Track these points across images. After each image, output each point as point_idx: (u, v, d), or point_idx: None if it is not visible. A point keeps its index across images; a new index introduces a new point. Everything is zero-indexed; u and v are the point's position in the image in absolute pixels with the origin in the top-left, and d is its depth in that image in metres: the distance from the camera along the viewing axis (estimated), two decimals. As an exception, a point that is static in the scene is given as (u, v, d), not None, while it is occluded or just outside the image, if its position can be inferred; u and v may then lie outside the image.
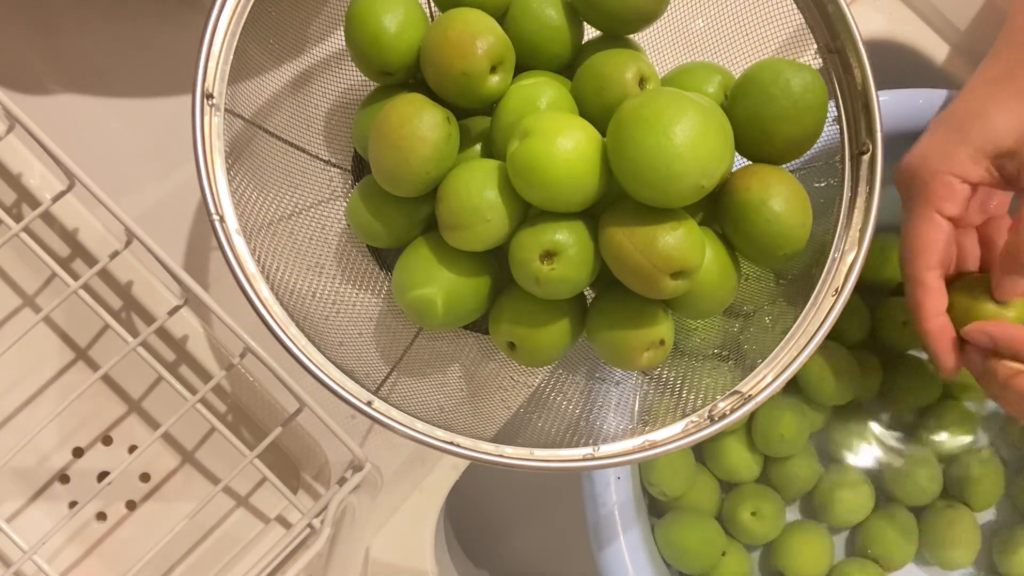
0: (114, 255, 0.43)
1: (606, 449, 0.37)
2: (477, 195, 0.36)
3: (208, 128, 0.35)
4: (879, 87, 0.38)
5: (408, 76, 0.39)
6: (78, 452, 0.47)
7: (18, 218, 0.45)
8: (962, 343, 0.43)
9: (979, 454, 0.56)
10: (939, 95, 0.49)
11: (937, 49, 0.56)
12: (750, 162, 0.38)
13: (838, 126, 0.39)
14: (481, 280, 0.38)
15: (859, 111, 0.39)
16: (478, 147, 0.40)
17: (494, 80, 0.37)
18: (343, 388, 0.35)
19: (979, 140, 0.41)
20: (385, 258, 0.45)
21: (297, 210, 0.42)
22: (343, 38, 0.39)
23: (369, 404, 0.35)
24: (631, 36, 0.41)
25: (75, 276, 0.43)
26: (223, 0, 0.36)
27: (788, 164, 0.38)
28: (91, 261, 0.45)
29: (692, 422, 0.37)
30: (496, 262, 0.39)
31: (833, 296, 0.38)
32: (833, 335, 0.42)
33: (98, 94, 0.48)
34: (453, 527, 0.62)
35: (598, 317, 0.39)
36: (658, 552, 0.53)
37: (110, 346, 0.47)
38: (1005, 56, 0.44)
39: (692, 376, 0.41)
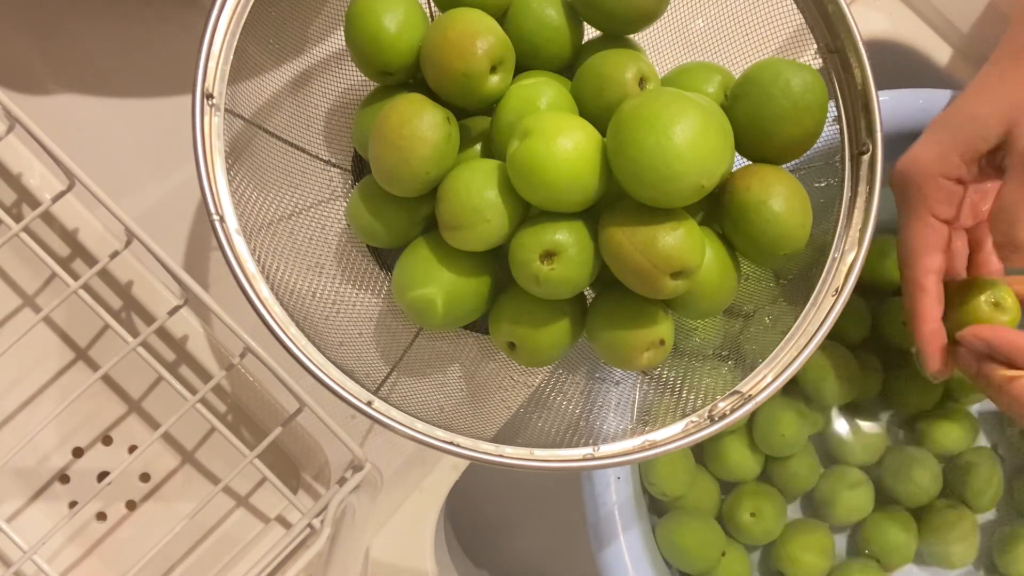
0: (114, 255, 0.43)
1: (606, 449, 0.37)
2: (477, 195, 0.36)
3: (208, 128, 0.35)
4: (879, 87, 0.38)
5: (408, 76, 0.39)
6: (78, 452, 0.47)
7: (18, 218, 0.45)
8: (954, 344, 0.43)
9: (979, 454, 0.56)
10: (939, 95, 0.49)
11: (937, 49, 0.56)
12: (750, 162, 0.38)
13: (838, 126, 0.39)
14: (481, 280, 0.38)
15: (859, 111, 0.39)
16: (478, 147, 0.40)
17: (494, 80, 0.37)
18: (343, 388, 0.35)
19: (969, 138, 0.42)
20: (385, 258, 0.45)
21: (297, 210, 0.42)
22: (343, 38, 0.39)
23: (369, 404, 0.35)
24: (631, 36, 0.41)
25: (75, 276, 0.43)
26: (223, 0, 0.36)
27: (788, 164, 0.38)
28: (91, 261, 0.45)
29: (692, 422, 0.37)
30: (496, 262, 0.39)
31: (833, 296, 0.38)
32: (833, 335, 0.42)
33: (98, 94, 0.48)
34: (453, 527, 0.62)
35: (598, 317, 0.39)
36: (658, 552, 0.53)
37: (110, 346, 0.47)
38: (1003, 63, 0.44)
39: (692, 376, 0.41)
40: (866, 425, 0.56)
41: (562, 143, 0.34)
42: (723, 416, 0.36)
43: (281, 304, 0.35)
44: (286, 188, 0.41)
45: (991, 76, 0.44)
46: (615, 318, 0.38)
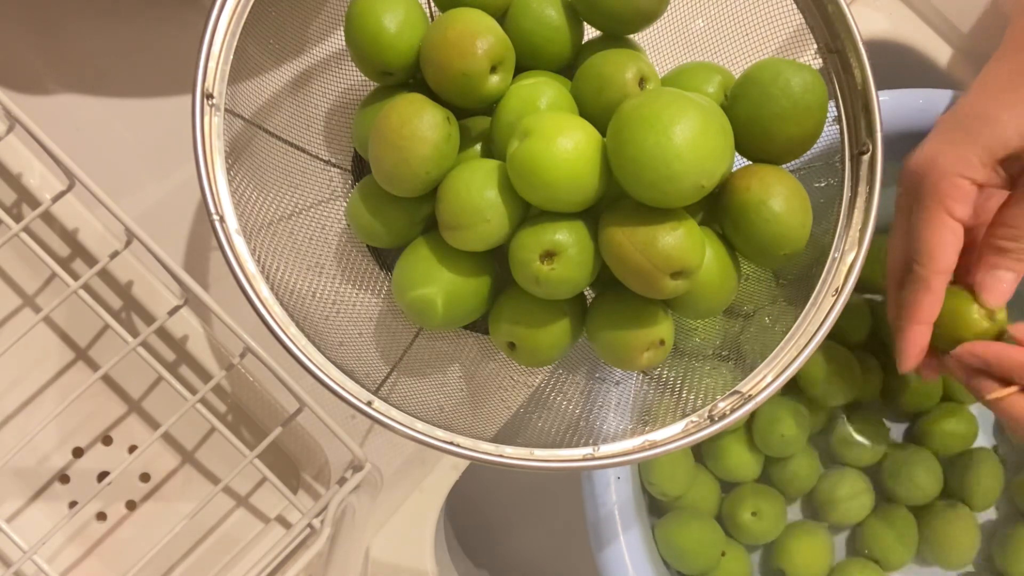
0: (114, 255, 0.43)
1: (606, 449, 0.37)
2: (477, 195, 0.36)
3: (208, 128, 0.35)
4: (879, 87, 0.38)
5: (408, 76, 0.39)
6: (78, 452, 0.47)
7: (18, 218, 0.45)
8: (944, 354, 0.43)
9: (979, 454, 0.56)
10: (939, 95, 0.49)
11: (937, 49, 0.56)
12: (750, 162, 0.38)
13: (838, 126, 0.39)
14: (481, 280, 0.38)
15: (859, 111, 0.39)
16: (478, 147, 0.40)
17: (494, 80, 0.37)
18: (343, 388, 0.35)
19: (988, 141, 0.41)
20: (385, 258, 0.45)
21: (297, 210, 0.42)
22: (343, 38, 0.39)
23: (369, 404, 0.35)
24: (631, 36, 0.41)
25: (75, 276, 0.43)
26: (223, 0, 0.36)
27: (788, 164, 0.38)
28: (91, 261, 0.45)
29: (692, 422, 0.37)
30: (496, 262, 0.39)
31: (833, 296, 0.38)
32: (833, 335, 0.42)
33: (98, 94, 0.48)
34: (453, 527, 0.62)
35: (598, 317, 0.39)
36: (658, 552, 0.53)
37: (110, 346, 0.47)
38: (1011, 58, 0.44)
39: (692, 376, 0.41)
40: (866, 425, 0.56)
41: (562, 143, 0.34)
42: (723, 416, 0.36)
43: (281, 304, 0.35)
44: (286, 188, 0.41)
45: (1000, 74, 0.43)
46: (615, 318, 0.38)
